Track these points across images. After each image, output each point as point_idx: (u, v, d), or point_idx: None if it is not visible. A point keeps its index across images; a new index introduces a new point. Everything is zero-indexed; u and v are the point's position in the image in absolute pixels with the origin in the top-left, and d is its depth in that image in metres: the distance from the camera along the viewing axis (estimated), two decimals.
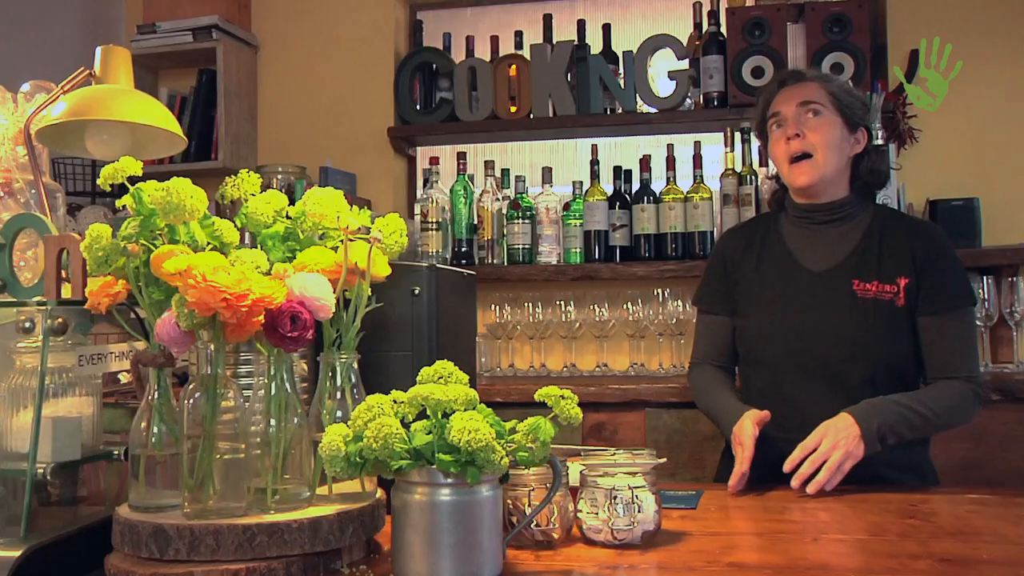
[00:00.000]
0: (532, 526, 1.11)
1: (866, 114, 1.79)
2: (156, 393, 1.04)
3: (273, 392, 1.04)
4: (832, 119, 1.73)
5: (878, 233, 1.74)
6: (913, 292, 1.68)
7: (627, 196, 2.94)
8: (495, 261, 2.99)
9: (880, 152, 1.81)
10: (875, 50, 2.91)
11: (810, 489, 1.45)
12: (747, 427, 1.57)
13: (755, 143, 2.93)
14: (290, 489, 1.04)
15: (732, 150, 2.91)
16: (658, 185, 2.94)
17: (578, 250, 2.94)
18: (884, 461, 1.65)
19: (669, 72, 2.93)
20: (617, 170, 2.98)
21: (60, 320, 1.09)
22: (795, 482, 1.47)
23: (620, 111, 2.99)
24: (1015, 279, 2.57)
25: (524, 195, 2.98)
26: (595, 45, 3.04)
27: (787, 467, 1.49)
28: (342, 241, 1.08)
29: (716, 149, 3.03)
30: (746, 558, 1.08)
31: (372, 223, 1.11)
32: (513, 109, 3.02)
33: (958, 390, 1.64)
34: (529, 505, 1.10)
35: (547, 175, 3.00)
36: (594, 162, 2.98)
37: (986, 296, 2.54)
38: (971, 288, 1.71)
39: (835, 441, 1.49)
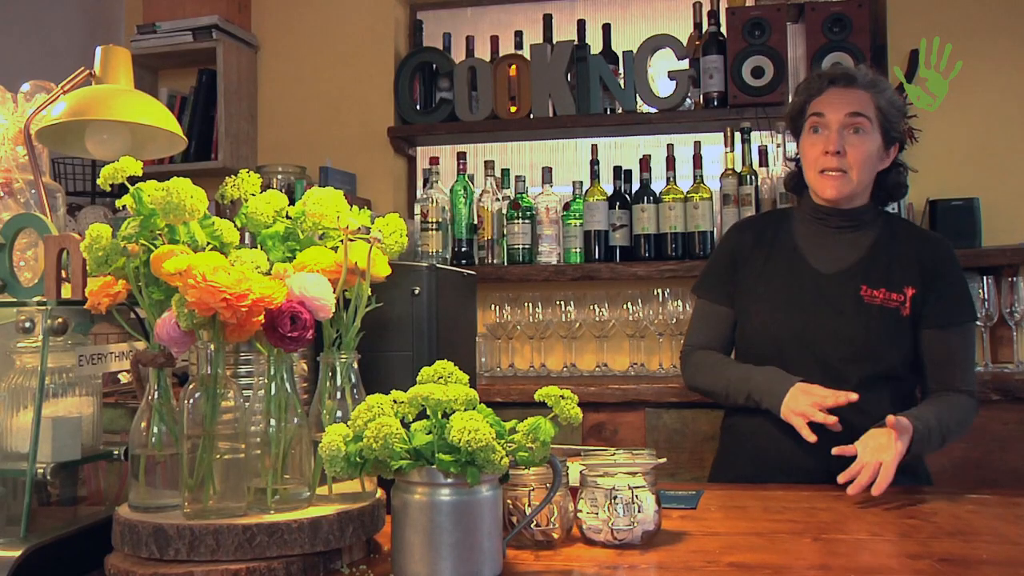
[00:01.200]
0: (532, 526, 1.11)
1: (902, 127, 1.76)
2: (156, 393, 1.04)
3: (273, 392, 1.04)
4: (873, 137, 1.69)
5: (888, 241, 1.74)
6: (918, 303, 1.69)
7: (627, 196, 2.94)
8: (495, 261, 2.99)
9: (902, 165, 1.80)
10: (875, 50, 2.91)
11: (867, 489, 1.43)
12: (803, 405, 1.56)
13: (755, 143, 2.93)
14: (290, 489, 1.04)
15: (732, 150, 2.91)
16: (658, 185, 2.94)
17: (578, 250, 2.94)
18: None
19: (669, 72, 2.93)
20: (617, 170, 2.98)
21: (60, 320, 1.09)
22: (852, 490, 1.43)
23: (620, 111, 2.99)
24: (1015, 279, 2.57)
25: (524, 195, 2.98)
26: (595, 45, 3.04)
27: (843, 479, 1.46)
28: (342, 241, 1.08)
29: (716, 149, 3.03)
30: (746, 558, 1.08)
31: (372, 223, 1.11)
32: (513, 109, 3.02)
33: (966, 405, 1.66)
34: (529, 505, 1.10)
35: (547, 175, 3.00)
36: (594, 162, 2.98)
37: (986, 296, 2.54)
38: (973, 304, 1.74)
39: (879, 458, 1.46)
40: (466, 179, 3.02)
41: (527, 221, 2.95)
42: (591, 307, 2.88)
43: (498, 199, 3.00)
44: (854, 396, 1.54)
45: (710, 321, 1.85)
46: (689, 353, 1.86)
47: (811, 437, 1.54)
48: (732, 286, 1.82)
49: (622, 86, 2.96)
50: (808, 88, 1.77)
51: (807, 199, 1.81)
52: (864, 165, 1.69)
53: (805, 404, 1.57)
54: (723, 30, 2.93)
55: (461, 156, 3.06)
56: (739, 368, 1.75)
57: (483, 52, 3.13)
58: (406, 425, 0.97)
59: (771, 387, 1.65)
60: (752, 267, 1.80)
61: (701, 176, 2.90)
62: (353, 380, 1.09)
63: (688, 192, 2.88)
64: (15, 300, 1.16)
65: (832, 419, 1.54)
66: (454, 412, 0.95)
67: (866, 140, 1.69)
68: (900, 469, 1.67)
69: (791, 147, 2.32)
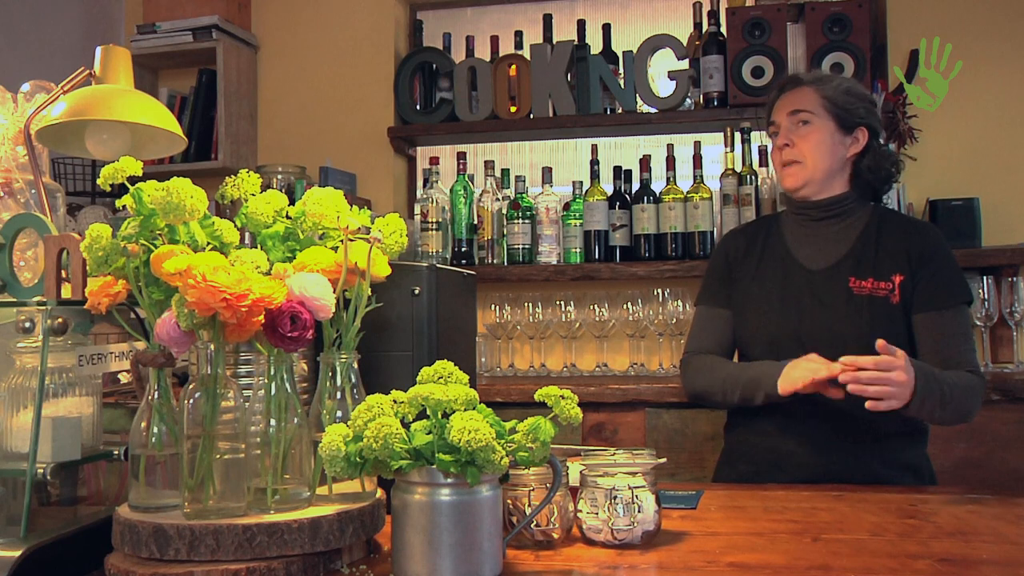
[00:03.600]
0: (532, 526, 1.11)
1: (869, 112, 1.79)
2: (156, 393, 1.04)
3: (273, 392, 1.04)
4: (821, 125, 1.75)
5: (875, 231, 1.75)
6: (908, 289, 1.69)
7: (627, 196, 2.94)
8: (495, 261, 2.99)
9: (882, 151, 1.81)
10: (875, 50, 2.91)
11: (857, 390, 1.46)
12: (802, 370, 1.56)
13: (755, 143, 2.94)
14: (290, 489, 1.04)
15: (732, 150, 2.91)
16: (658, 185, 2.94)
17: (578, 250, 2.94)
18: (881, 461, 1.66)
19: (669, 72, 2.93)
20: (617, 170, 2.98)
21: (60, 320, 1.09)
22: (845, 376, 1.48)
23: (620, 111, 2.99)
24: (1015, 279, 2.57)
25: (524, 195, 2.98)
26: (595, 45, 3.04)
27: (843, 363, 1.49)
28: (342, 241, 1.08)
29: (716, 149, 3.03)
30: (746, 558, 1.08)
31: (372, 223, 1.11)
32: (513, 109, 3.02)
33: (967, 377, 1.64)
34: (529, 505, 1.10)
35: (547, 175, 3.00)
36: (594, 162, 2.98)
37: (986, 296, 2.54)
38: (967, 286, 1.71)
39: (901, 379, 1.47)
40: (466, 179, 3.02)
41: (527, 221, 2.95)
42: (591, 307, 2.88)
43: (498, 199, 3.00)
44: (836, 368, 1.51)
45: (710, 325, 1.85)
46: (688, 360, 1.85)
47: (838, 394, 1.52)
48: (729, 289, 1.84)
49: (622, 86, 2.96)
50: (768, 103, 1.88)
51: (790, 199, 1.85)
52: (815, 151, 1.75)
53: (803, 369, 1.56)
54: (723, 30, 2.93)
55: (461, 156, 3.06)
56: (734, 366, 1.76)
57: (483, 52, 3.13)
58: (406, 425, 0.97)
59: (765, 373, 1.64)
60: (746, 270, 1.82)
61: (701, 176, 2.90)
62: (353, 380, 1.09)
63: (688, 192, 2.88)
64: (15, 300, 1.16)
65: (837, 368, 1.51)
66: (454, 412, 0.96)
67: (812, 130, 1.76)
68: (903, 467, 1.68)
69: None
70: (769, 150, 1.93)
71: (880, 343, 1.50)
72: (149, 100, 1.49)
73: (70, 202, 3.07)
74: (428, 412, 0.97)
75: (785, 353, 1.69)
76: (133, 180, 1.06)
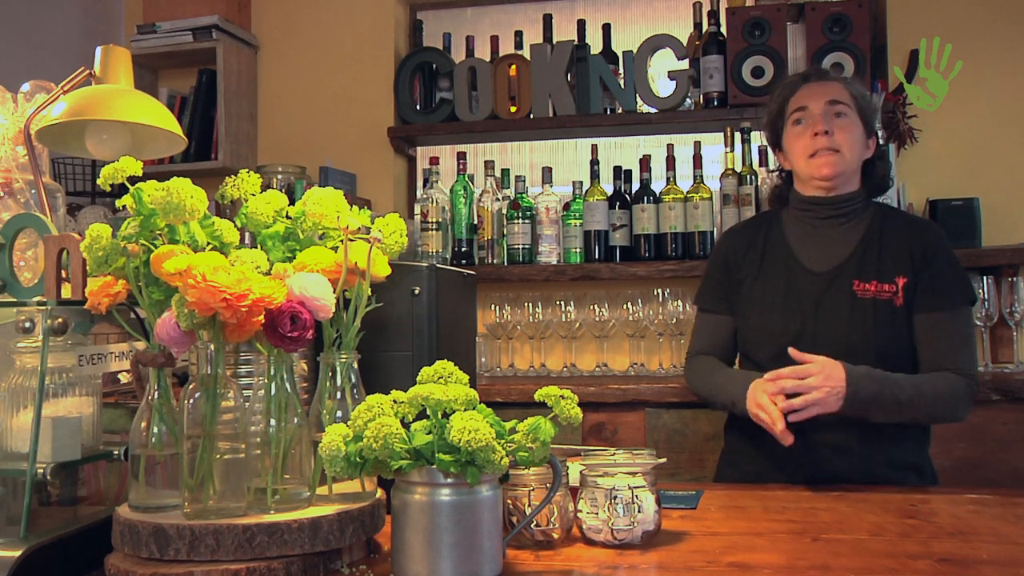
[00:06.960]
0: (532, 526, 1.11)
1: (876, 121, 1.82)
2: (156, 393, 1.04)
3: (273, 392, 1.04)
4: (855, 121, 1.75)
5: (878, 232, 1.75)
6: (911, 291, 1.69)
7: (627, 196, 2.94)
8: (495, 261, 2.99)
9: (886, 159, 1.84)
10: (875, 50, 2.91)
11: (785, 406, 1.53)
12: (760, 398, 1.58)
13: (755, 143, 2.93)
14: (290, 489, 1.04)
15: (732, 150, 2.91)
16: (658, 185, 2.94)
17: (578, 250, 2.94)
18: (884, 461, 1.66)
19: (669, 72, 2.93)
20: (617, 170, 2.98)
21: (60, 320, 1.09)
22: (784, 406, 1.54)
23: (620, 111, 2.98)
24: (1015, 279, 2.57)
25: (524, 195, 2.98)
26: (595, 45, 3.04)
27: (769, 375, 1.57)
28: (342, 241, 1.08)
29: (716, 149, 3.03)
30: (746, 558, 1.08)
31: (372, 223, 1.11)
32: (513, 109, 3.02)
33: (951, 381, 1.64)
34: (529, 505, 1.10)
35: (547, 175, 3.00)
36: (594, 162, 2.98)
37: (986, 296, 2.54)
38: (970, 287, 1.71)
39: (820, 383, 1.53)
40: (466, 179, 3.02)
41: (527, 221, 2.95)
42: (591, 307, 2.88)
43: (498, 199, 3.00)
44: (780, 425, 1.54)
45: (709, 331, 1.87)
46: (690, 359, 1.89)
47: (786, 440, 1.53)
48: (729, 293, 1.83)
49: (622, 86, 2.96)
50: (784, 90, 1.84)
51: (794, 195, 1.83)
52: (853, 145, 1.74)
53: (764, 398, 1.57)
54: (723, 30, 2.93)
55: (461, 156, 3.06)
56: (722, 376, 1.77)
57: (483, 52, 3.13)
58: (406, 425, 0.97)
59: (737, 391, 1.65)
60: (747, 271, 1.81)
61: (701, 176, 2.90)
62: (353, 380, 1.09)
63: (688, 192, 2.88)
64: (15, 300, 1.16)
65: (786, 438, 1.53)
66: (454, 412, 0.96)
67: (849, 123, 1.75)
68: (905, 467, 1.68)
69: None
70: (780, 142, 1.85)
71: (791, 350, 1.58)
72: (149, 100, 1.49)
73: (70, 202, 3.07)
74: (428, 412, 0.97)
75: (789, 358, 1.69)
76: (133, 180, 1.06)
